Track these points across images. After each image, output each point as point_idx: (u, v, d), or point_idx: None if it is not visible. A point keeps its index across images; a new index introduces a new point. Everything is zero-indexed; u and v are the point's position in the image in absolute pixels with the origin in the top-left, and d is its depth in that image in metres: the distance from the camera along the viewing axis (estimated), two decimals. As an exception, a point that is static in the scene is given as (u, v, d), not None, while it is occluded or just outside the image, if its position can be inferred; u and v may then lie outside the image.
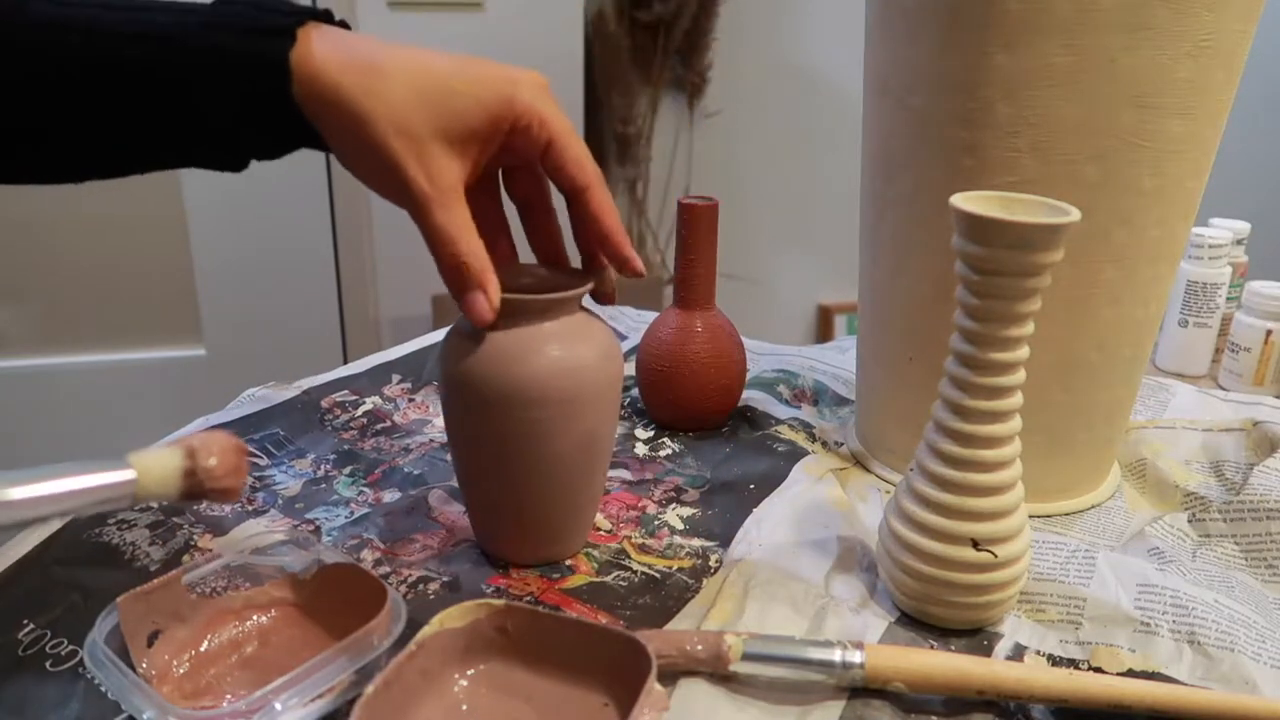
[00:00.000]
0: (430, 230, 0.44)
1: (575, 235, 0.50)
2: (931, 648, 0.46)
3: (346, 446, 0.65)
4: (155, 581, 0.43)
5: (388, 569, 0.51)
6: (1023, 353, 0.44)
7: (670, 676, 0.43)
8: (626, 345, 0.83)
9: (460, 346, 0.47)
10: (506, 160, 0.48)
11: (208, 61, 0.42)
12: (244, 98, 0.43)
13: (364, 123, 0.42)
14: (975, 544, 0.45)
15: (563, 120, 0.46)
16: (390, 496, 0.59)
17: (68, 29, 0.42)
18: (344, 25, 0.46)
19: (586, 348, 0.48)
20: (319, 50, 0.43)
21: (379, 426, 0.69)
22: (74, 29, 0.42)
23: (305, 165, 1.49)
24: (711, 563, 0.53)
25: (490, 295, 0.46)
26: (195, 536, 0.53)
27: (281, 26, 0.43)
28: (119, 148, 0.45)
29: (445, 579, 0.50)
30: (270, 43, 0.43)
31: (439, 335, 0.83)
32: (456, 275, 0.45)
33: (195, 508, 0.56)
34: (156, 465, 0.30)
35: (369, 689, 0.37)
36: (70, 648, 0.44)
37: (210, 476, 0.32)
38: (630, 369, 0.74)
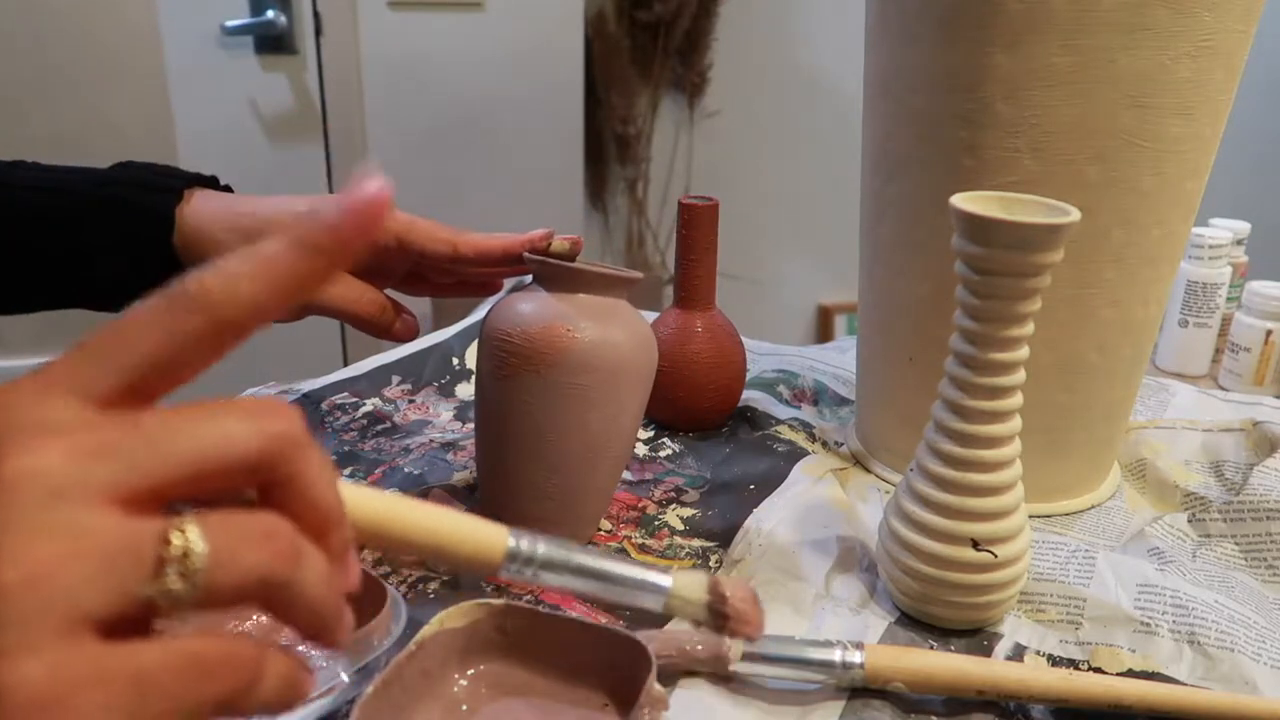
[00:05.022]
0: (327, 309, 0.51)
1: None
2: (931, 648, 0.46)
3: (347, 448, 0.65)
4: (155, 582, 0.43)
5: (388, 569, 0.51)
6: (1023, 353, 0.44)
7: (670, 676, 0.43)
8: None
9: (508, 307, 0.50)
10: (400, 267, 0.54)
11: (100, 210, 0.49)
12: (130, 244, 0.49)
13: None
14: (975, 544, 0.45)
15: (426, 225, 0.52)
16: (390, 497, 0.59)
17: None
18: (227, 189, 0.54)
19: (624, 332, 0.50)
20: (203, 209, 0.50)
21: (379, 428, 0.69)
22: None
23: (305, 165, 1.49)
24: (711, 563, 0.53)
25: (404, 326, 0.54)
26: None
27: (170, 186, 0.51)
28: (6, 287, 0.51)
29: (445, 579, 0.50)
30: (158, 198, 0.50)
31: (439, 336, 0.82)
32: (366, 328, 0.53)
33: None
34: (689, 586, 0.33)
35: (369, 689, 0.37)
36: (70, 648, 0.44)
37: (734, 613, 0.33)
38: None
